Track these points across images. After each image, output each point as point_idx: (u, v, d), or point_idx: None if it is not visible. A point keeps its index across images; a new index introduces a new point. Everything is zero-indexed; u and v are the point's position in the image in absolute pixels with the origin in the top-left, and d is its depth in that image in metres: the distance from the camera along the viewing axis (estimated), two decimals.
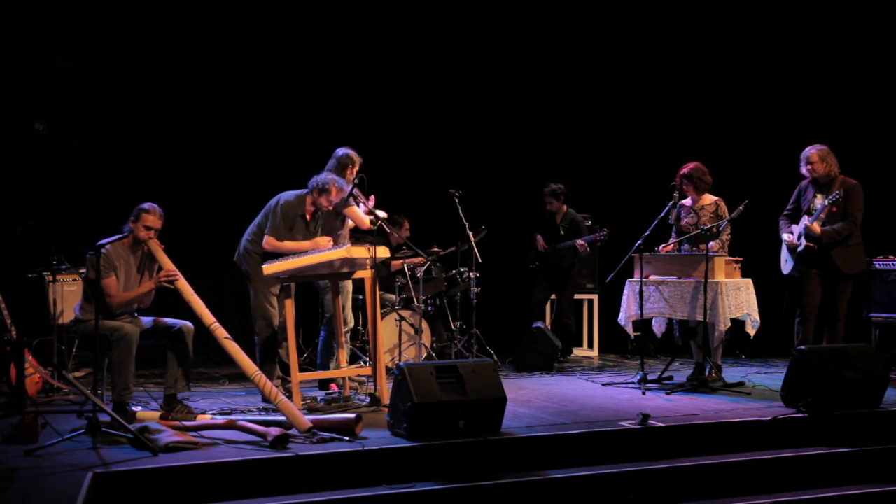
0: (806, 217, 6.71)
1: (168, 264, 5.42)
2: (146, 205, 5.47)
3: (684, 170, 6.80)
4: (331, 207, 6.15)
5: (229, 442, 4.74)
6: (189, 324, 5.49)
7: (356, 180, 6.26)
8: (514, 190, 9.15)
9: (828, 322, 6.74)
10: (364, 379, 6.63)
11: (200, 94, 8.09)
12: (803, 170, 6.75)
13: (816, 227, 6.61)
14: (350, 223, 6.60)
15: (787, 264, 6.90)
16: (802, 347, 5.72)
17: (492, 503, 4.45)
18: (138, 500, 4.12)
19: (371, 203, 6.51)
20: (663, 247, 6.86)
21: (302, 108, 8.46)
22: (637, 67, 9.43)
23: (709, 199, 6.84)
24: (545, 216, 8.53)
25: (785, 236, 6.84)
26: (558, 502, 4.55)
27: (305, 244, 6.04)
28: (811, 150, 6.72)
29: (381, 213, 6.42)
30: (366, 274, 5.90)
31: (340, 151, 6.53)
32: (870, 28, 8.76)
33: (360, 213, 6.42)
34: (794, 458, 5.05)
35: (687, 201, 6.91)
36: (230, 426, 4.95)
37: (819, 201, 6.68)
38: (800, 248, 6.70)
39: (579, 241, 8.25)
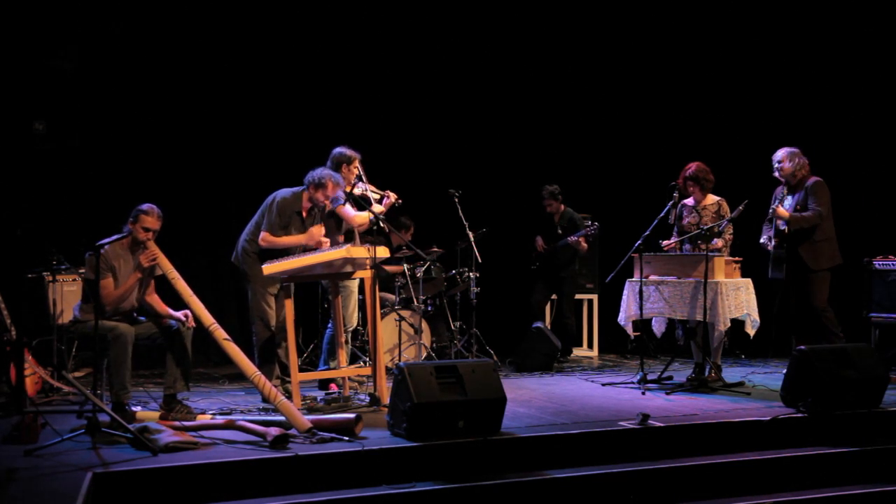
0: (772, 209, 6.71)
1: (166, 263, 5.42)
2: (145, 206, 5.46)
3: (688, 171, 6.80)
4: (327, 203, 6.14)
5: (229, 442, 4.74)
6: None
7: (356, 180, 6.27)
8: (514, 190, 9.15)
9: (813, 322, 6.69)
10: (364, 379, 6.63)
11: (200, 94, 8.09)
12: (775, 172, 6.74)
13: (783, 211, 6.56)
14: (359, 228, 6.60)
15: (770, 268, 6.94)
16: (802, 347, 5.72)
17: (492, 503, 4.45)
18: (138, 500, 4.12)
19: (392, 198, 6.54)
20: (666, 243, 6.84)
21: (302, 107, 8.46)
22: (636, 67, 9.43)
23: (711, 199, 6.84)
24: (544, 216, 8.54)
25: (762, 240, 6.83)
26: (558, 502, 4.55)
27: (300, 237, 6.05)
28: (779, 151, 6.74)
29: (379, 208, 6.42)
30: (366, 274, 5.90)
31: (336, 150, 6.56)
32: (870, 28, 8.76)
33: (351, 213, 6.41)
34: (794, 458, 5.06)
35: (689, 201, 6.91)
36: (230, 426, 4.95)
37: (786, 203, 6.68)
38: (770, 249, 6.72)
39: (571, 238, 8.28)
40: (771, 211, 6.63)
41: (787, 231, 6.60)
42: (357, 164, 6.55)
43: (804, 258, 6.59)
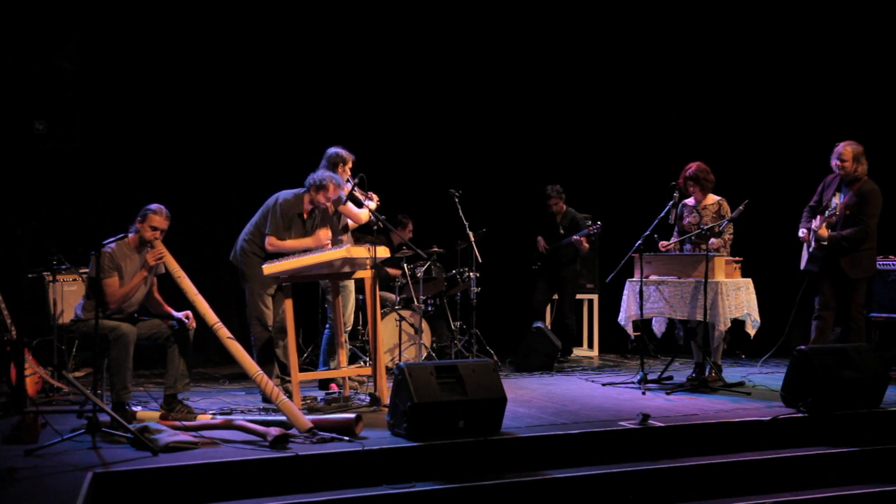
0: (818, 217, 6.67)
1: (172, 262, 5.43)
2: (153, 206, 5.49)
3: (688, 171, 6.79)
4: (328, 204, 6.16)
5: (229, 442, 4.74)
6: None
7: (356, 179, 6.27)
8: (514, 190, 9.15)
9: (840, 324, 6.71)
10: (364, 379, 6.63)
11: (200, 94, 8.08)
12: (833, 163, 6.61)
13: (824, 231, 6.54)
14: (352, 223, 6.60)
15: (803, 259, 6.86)
16: (802, 347, 5.72)
17: (492, 503, 4.45)
18: (138, 500, 4.12)
19: (375, 200, 6.53)
20: (664, 243, 6.83)
21: (302, 108, 8.46)
22: (637, 67, 9.43)
23: (712, 198, 6.84)
24: (546, 216, 8.54)
25: (801, 232, 6.78)
26: (558, 502, 4.55)
27: (307, 241, 6.06)
28: (846, 147, 6.55)
29: (371, 204, 6.41)
30: (366, 274, 5.90)
31: (330, 150, 6.55)
32: (871, 27, 8.75)
33: (355, 210, 6.42)
34: (794, 458, 5.06)
35: (690, 200, 6.91)
36: (230, 426, 4.95)
37: (835, 200, 6.62)
38: (810, 249, 6.69)
39: (574, 238, 8.28)
40: (812, 231, 6.58)
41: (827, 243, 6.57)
42: (350, 165, 6.56)
43: (843, 266, 6.52)
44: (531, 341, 7.83)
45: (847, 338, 6.55)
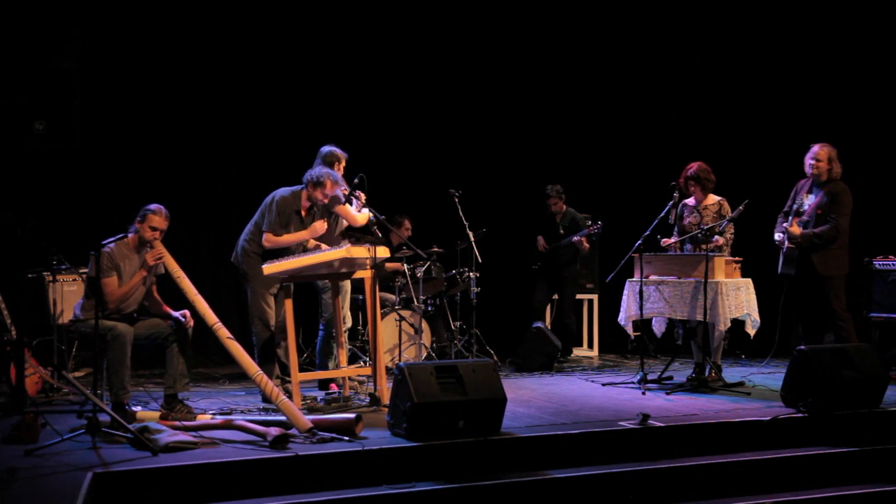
0: (793, 218, 6.70)
1: (171, 262, 5.44)
2: (153, 206, 5.50)
3: (689, 171, 6.80)
4: (326, 201, 6.15)
5: (229, 442, 4.74)
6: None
7: (356, 180, 6.28)
8: (514, 190, 9.15)
9: (829, 324, 6.73)
10: (364, 379, 6.63)
11: (201, 94, 8.08)
12: (807, 163, 6.67)
13: (795, 229, 6.59)
14: (345, 223, 6.60)
15: (780, 264, 6.91)
16: (802, 347, 5.72)
17: (492, 503, 4.45)
18: (138, 500, 4.12)
19: (361, 199, 6.53)
20: (665, 240, 6.82)
21: (302, 108, 8.46)
22: (637, 67, 9.43)
23: (712, 198, 6.84)
24: (546, 216, 8.54)
25: (776, 236, 6.83)
26: (558, 502, 4.55)
27: (303, 233, 6.09)
28: (821, 149, 6.63)
29: (359, 202, 6.41)
30: (366, 274, 5.90)
31: (324, 149, 6.55)
32: (870, 27, 8.75)
33: (352, 212, 6.41)
34: (794, 458, 5.06)
35: (690, 200, 6.91)
36: (230, 426, 4.95)
37: (806, 202, 6.66)
38: (783, 250, 6.72)
39: (575, 238, 8.28)
40: (783, 230, 6.63)
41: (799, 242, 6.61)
42: (344, 163, 6.56)
43: (815, 263, 6.57)
44: (531, 341, 7.83)
45: (839, 339, 6.56)
